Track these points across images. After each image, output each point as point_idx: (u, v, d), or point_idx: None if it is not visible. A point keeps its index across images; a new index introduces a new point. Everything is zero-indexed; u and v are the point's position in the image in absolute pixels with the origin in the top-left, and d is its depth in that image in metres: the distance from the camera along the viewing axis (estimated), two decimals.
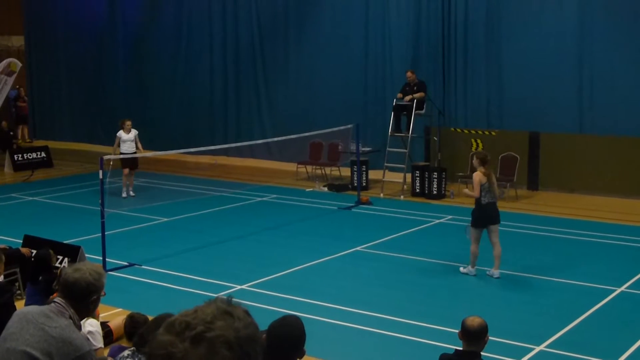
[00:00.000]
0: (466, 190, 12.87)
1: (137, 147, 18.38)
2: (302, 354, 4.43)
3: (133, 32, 26.69)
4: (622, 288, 11.52)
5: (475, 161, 12.32)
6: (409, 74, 19.20)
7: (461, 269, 12.33)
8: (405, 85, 19.27)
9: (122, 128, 18.43)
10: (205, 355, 1.78)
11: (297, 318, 4.56)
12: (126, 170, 18.62)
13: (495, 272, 12.07)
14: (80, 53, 28.00)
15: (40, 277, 9.44)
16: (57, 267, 10.24)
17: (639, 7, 17.82)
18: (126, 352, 6.14)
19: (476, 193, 11.96)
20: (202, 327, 1.81)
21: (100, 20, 27.40)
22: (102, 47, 27.44)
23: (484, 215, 11.99)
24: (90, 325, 7.61)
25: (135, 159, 18.53)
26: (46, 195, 19.19)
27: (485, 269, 12.23)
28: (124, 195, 18.66)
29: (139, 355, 5.60)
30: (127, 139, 18.33)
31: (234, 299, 1.93)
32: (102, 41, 27.39)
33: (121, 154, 17.91)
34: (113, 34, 27.14)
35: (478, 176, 11.94)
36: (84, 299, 4.34)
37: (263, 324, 9.26)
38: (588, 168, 18.18)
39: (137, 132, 18.48)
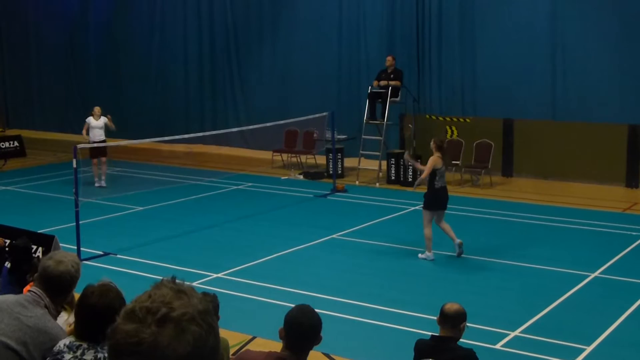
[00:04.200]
0: (418, 165, 13.09)
1: (108, 129, 18.10)
2: (320, 340, 4.51)
3: (106, 19, 26.45)
4: (596, 273, 11.63)
5: (432, 145, 12.61)
6: (389, 58, 19.17)
7: (419, 255, 12.52)
8: (382, 72, 19.27)
9: (92, 114, 18.19)
10: (175, 334, 1.80)
11: (310, 306, 4.64)
12: (95, 160, 18.48)
13: (458, 242, 12.49)
14: (53, 41, 27.72)
15: (24, 268, 9.35)
16: (32, 257, 10.15)
17: None
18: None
19: (426, 173, 12.37)
20: (164, 309, 1.82)
21: (72, 8, 27.12)
22: (75, 35, 27.17)
23: (438, 199, 12.42)
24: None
25: (104, 147, 18.27)
26: (19, 184, 19.02)
27: (451, 254, 12.37)
28: (97, 185, 18.49)
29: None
30: (96, 126, 18.06)
31: (177, 279, 1.95)
32: (75, 29, 27.13)
33: (91, 142, 17.73)
34: (85, 22, 26.89)
35: (434, 160, 12.31)
36: (65, 291, 4.34)
37: (239, 311, 9.23)
38: (562, 154, 18.30)
39: (106, 120, 18.12)
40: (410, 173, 18.30)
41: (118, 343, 1.82)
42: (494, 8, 19.26)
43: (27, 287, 4.94)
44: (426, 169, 12.38)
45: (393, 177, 18.64)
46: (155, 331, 1.79)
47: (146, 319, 1.81)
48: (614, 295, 10.79)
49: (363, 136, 19.34)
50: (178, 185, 18.53)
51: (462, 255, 12.41)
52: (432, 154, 12.51)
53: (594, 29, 18.08)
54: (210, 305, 1.91)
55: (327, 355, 8.51)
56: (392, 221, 15.09)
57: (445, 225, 12.49)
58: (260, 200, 17.08)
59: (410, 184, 18.15)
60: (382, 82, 19.01)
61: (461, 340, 6.23)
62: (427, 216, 12.33)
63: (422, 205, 12.60)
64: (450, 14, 19.82)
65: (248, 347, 8.44)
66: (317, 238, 13.73)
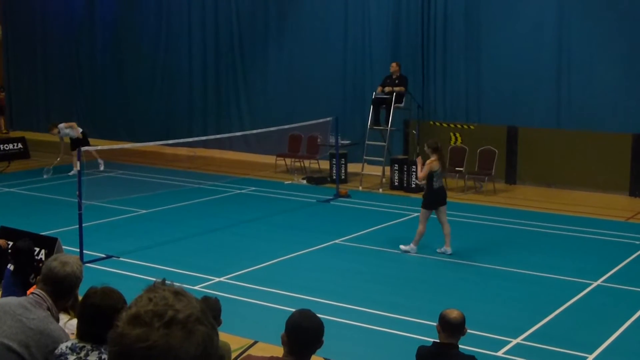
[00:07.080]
0: (420, 168, 13.13)
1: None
2: (321, 344, 4.53)
3: (111, 23, 26.50)
4: (599, 282, 11.62)
5: (427, 149, 13.05)
6: (394, 65, 19.20)
7: (402, 246, 13.04)
8: (387, 77, 19.28)
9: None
10: (184, 336, 1.81)
11: (311, 310, 4.65)
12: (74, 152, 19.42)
13: (448, 249, 12.89)
14: (58, 43, 27.77)
15: (27, 270, 9.36)
16: (35, 260, 10.15)
17: (617, 2, 17.93)
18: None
19: (422, 175, 12.73)
20: (170, 311, 1.83)
21: (78, 11, 27.17)
22: (80, 38, 27.21)
23: (436, 199, 12.82)
24: (71, 325, 7.51)
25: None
26: (23, 186, 19.04)
27: (453, 260, 12.35)
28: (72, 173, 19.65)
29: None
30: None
31: (167, 281, 1.96)
32: (80, 32, 27.16)
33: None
34: (91, 25, 26.93)
35: (430, 164, 12.66)
36: (70, 292, 4.36)
37: (241, 316, 9.21)
38: (565, 162, 18.29)
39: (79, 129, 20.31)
40: (414, 179, 18.30)
41: (128, 348, 1.81)
42: (500, 15, 19.26)
43: (31, 290, 4.95)
44: (423, 173, 12.74)
45: (396, 183, 18.64)
46: (165, 334, 1.80)
47: (153, 323, 1.82)
48: (616, 304, 10.77)
49: (367, 142, 19.34)
50: (181, 188, 18.55)
51: (465, 262, 12.45)
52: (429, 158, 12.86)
53: (600, 38, 18.07)
54: (203, 303, 1.94)
55: None
56: (394, 227, 15.08)
57: (448, 228, 12.80)
58: (263, 205, 17.07)
59: (414, 190, 18.17)
60: (387, 88, 19.03)
61: (462, 347, 6.23)
62: (424, 214, 12.84)
63: (421, 204, 12.94)
64: (456, 21, 19.83)
65: (250, 351, 8.43)
66: (320, 243, 13.73)
